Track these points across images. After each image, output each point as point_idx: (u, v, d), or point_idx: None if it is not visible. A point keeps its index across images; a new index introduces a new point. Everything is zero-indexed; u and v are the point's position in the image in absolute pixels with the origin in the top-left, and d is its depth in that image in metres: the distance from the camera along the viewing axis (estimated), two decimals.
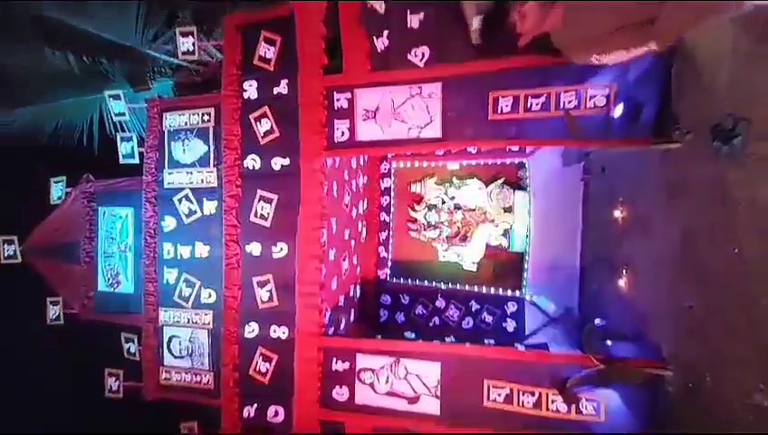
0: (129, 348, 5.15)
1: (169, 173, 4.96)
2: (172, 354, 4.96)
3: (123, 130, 5.67)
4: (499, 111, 3.96)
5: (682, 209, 3.44)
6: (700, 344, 3.20)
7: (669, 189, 3.63)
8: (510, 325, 6.07)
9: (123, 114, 5.34)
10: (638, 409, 3.66)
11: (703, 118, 3.13)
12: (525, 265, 6.14)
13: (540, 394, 3.84)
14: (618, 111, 3.72)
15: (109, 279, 5.32)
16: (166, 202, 4.96)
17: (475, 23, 3.77)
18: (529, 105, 3.90)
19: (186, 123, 4.88)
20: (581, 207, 5.07)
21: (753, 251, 2.74)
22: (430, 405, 4.12)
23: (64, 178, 5.51)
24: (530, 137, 4.04)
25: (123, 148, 5.18)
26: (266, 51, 4.53)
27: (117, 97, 5.35)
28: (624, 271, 4.19)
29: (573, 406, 3.75)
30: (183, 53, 4.83)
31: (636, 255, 4.11)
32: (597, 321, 4.36)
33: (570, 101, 3.80)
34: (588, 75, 3.71)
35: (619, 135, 3.75)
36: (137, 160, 5.21)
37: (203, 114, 4.83)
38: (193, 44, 4.79)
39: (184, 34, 4.81)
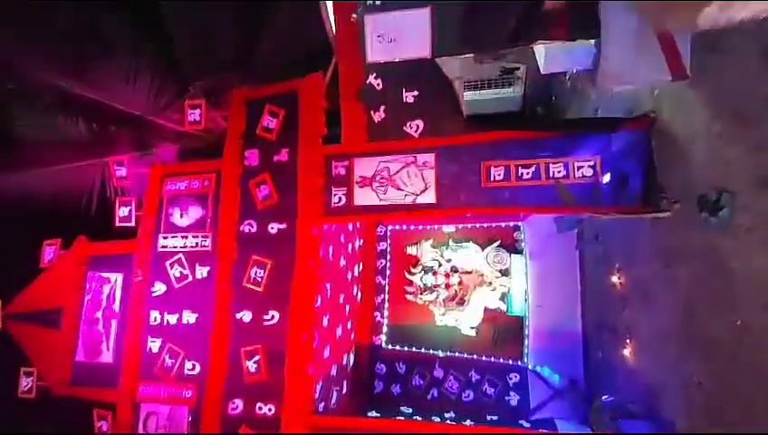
0: (101, 426, 4.72)
1: (164, 237, 4.94)
2: (149, 431, 4.55)
3: (123, 195, 5.75)
4: (492, 179, 4.09)
5: (680, 278, 3.42)
6: (715, 423, 2.99)
7: (664, 257, 3.64)
8: (513, 399, 5.70)
9: (124, 179, 5.43)
10: None
11: (687, 189, 3.23)
12: (525, 331, 5.94)
13: None
14: (605, 179, 3.85)
15: (89, 348, 5.04)
16: (158, 266, 4.88)
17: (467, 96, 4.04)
18: (520, 174, 4.05)
19: (185, 187, 4.97)
20: (579, 272, 5.03)
21: (756, 323, 2.67)
22: None
23: (59, 241, 5.46)
24: (523, 203, 4.14)
25: (121, 211, 5.21)
26: (269, 122, 4.77)
27: (120, 163, 5.50)
28: (628, 340, 4.04)
29: None
30: (190, 123, 5.08)
31: (638, 323, 4.00)
32: (605, 397, 4.10)
33: (559, 171, 3.95)
34: (572, 148, 3.90)
35: (609, 203, 3.84)
36: (133, 223, 5.21)
37: (204, 179, 4.95)
38: (200, 115, 5.05)
39: (192, 106, 5.09)
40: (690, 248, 3.28)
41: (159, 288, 4.84)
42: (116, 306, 5.06)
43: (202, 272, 4.75)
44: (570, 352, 4.93)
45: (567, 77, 4.43)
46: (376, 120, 4.48)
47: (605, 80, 3.32)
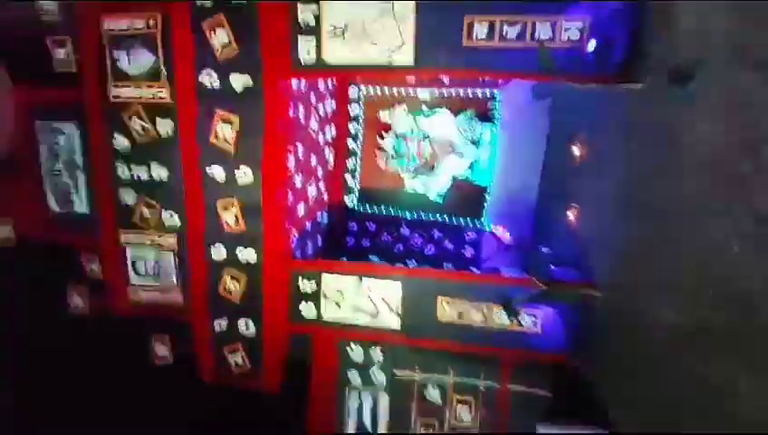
0: (91, 267, 5.10)
1: (115, 86, 4.50)
2: (138, 274, 4.99)
3: (54, 33, 4.91)
4: (474, 38, 3.81)
5: (633, 149, 3.65)
6: (630, 272, 3.66)
7: (625, 129, 3.80)
8: (468, 252, 6.51)
9: (54, 13, 4.56)
10: (569, 324, 4.24)
11: (665, 59, 3.18)
12: (487, 198, 6.41)
13: (487, 310, 4.33)
14: (590, 46, 3.69)
15: (59, 199, 5.05)
16: (114, 118, 4.57)
17: None
18: (504, 33, 3.78)
19: (128, 28, 4.32)
20: (546, 142, 5.22)
21: (692, 188, 2.99)
22: (391, 320, 4.55)
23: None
24: (504, 67, 3.97)
25: (57, 54, 4.56)
26: None
27: None
28: (574, 204, 4.52)
29: (515, 320, 4.28)
30: None
31: (587, 190, 4.41)
32: (543, 249, 4.78)
33: (545, 33, 3.71)
34: (564, 7, 3.59)
35: (590, 71, 3.76)
36: (74, 69, 4.64)
37: (148, 20, 4.27)
38: None
39: None
40: (650, 121, 3.43)
41: (121, 142, 4.65)
42: (77, 158, 4.89)
43: (165, 127, 4.53)
44: (523, 214, 5.47)
45: None
46: None
47: None
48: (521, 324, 4.32)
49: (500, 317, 4.34)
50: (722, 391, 2.57)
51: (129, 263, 4.96)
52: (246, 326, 4.83)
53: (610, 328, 3.81)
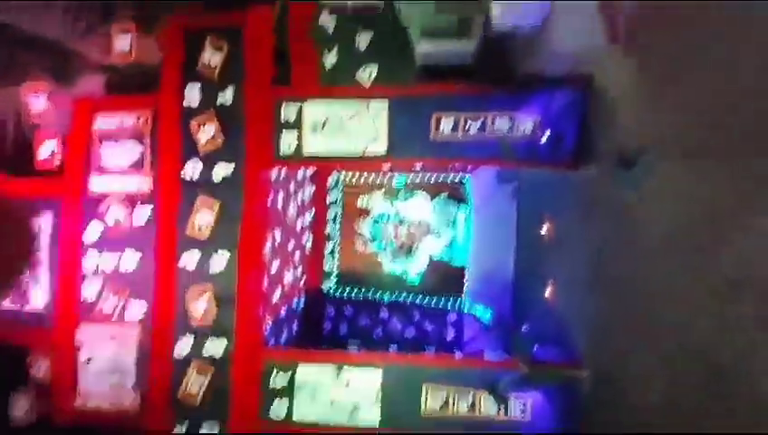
0: (38, 370, 4.60)
1: (97, 178, 4.61)
2: (90, 375, 4.54)
3: (42, 130, 5.14)
4: (441, 131, 4.25)
5: (593, 229, 3.91)
6: (611, 351, 3.64)
7: (584, 210, 4.12)
8: (450, 334, 6.36)
9: (43, 112, 4.84)
10: (558, 406, 4.03)
11: (611, 148, 3.62)
12: (466, 276, 6.51)
13: (474, 396, 4.09)
14: (544, 137, 4.17)
15: (15, 295, 4.75)
16: (91, 208, 4.59)
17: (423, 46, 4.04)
18: (468, 127, 4.24)
19: (118, 125, 4.59)
20: (516, 222, 5.53)
21: (651, 268, 3.18)
22: (371, 414, 4.20)
23: None
24: (469, 156, 4.36)
25: (42, 150, 4.72)
26: (212, 57, 4.44)
27: (36, 94, 4.86)
28: (549, 282, 4.63)
29: (502, 407, 4.04)
30: (118, 53, 4.56)
31: (558, 268, 4.57)
32: (524, 327, 4.74)
33: (503, 126, 4.19)
34: (516, 104, 4.13)
35: (545, 159, 4.19)
36: (56, 164, 4.76)
37: (138, 116, 4.59)
38: (130, 44, 4.54)
39: (120, 32, 4.55)
40: (606, 203, 3.75)
41: (94, 232, 4.60)
42: (45, 251, 4.74)
43: (142, 215, 4.56)
44: (501, 293, 5.55)
45: (519, 32, 4.52)
46: (327, 64, 4.35)
47: (549, 38, 3.51)
48: (508, 414, 4.06)
49: (486, 406, 4.09)
50: None
51: (81, 362, 4.54)
52: (211, 428, 4.32)
53: (599, 410, 3.65)
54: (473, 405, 4.10)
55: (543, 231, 4.75)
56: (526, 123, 4.13)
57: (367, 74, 4.31)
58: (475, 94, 4.17)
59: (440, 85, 4.23)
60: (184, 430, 4.33)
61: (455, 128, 4.22)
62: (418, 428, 4.11)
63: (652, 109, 3.21)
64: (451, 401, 4.15)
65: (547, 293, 4.63)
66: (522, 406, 4.08)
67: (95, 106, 4.64)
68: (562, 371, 3.94)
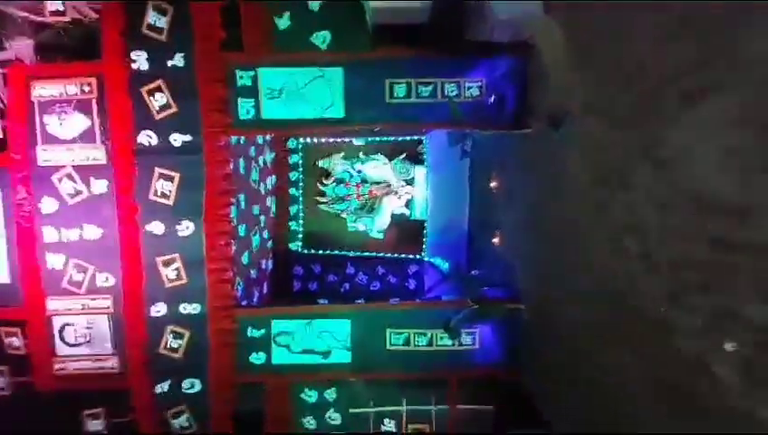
0: (11, 342, 4.67)
1: (44, 150, 4.46)
2: (66, 343, 4.67)
3: None
4: (395, 96, 4.46)
5: (530, 181, 4.41)
6: (543, 286, 4.28)
7: (523, 165, 4.60)
8: (411, 284, 6.95)
9: None
10: (502, 339, 4.73)
11: (545, 109, 4.02)
12: (425, 232, 7.03)
13: (432, 334, 4.69)
14: (490, 99, 4.50)
15: None
16: (42, 182, 4.48)
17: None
18: (419, 92, 4.47)
19: (61, 94, 4.39)
20: (468, 180, 6.00)
21: (573, 211, 3.70)
22: (342, 356, 4.71)
23: None
24: (422, 119, 4.64)
25: None
26: (156, 19, 4.27)
27: None
28: (497, 231, 5.19)
29: (456, 340, 4.68)
30: (51, 13, 4.25)
31: (504, 218, 5.12)
32: (474, 272, 5.35)
33: (452, 90, 4.46)
34: (465, 69, 4.39)
35: (491, 121, 4.55)
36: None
37: (82, 85, 4.39)
38: (63, 3, 4.23)
39: None
40: (540, 157, 4.21)
41: (49, 205, 4.52)
42: (1, 227, 4.63)
43: (99, 186, 4.52)
44: (457, 244, 6.13)
45: None
46: (281, 27, 4.33)
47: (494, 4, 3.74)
48: (461, 344, 4.71)
49: (443, 340, 4.71)
50: (620, 375, 3.11)
51: (55, 333, 4.65)
52: (192, 385, 4.68)
53: (534, 337, 4.35)
54: (431, 342, 4.72)
55: (492, 185, 5.22)
56: (472, 87, 4.42)
57: (321, 39, 4.34)
58: (426, 60, 4.36)
59: (393, 50, 4.37)
60: (166, 388, 4.65)
61: (408, 93, 4.44)
62: (385, 364, 4.68)
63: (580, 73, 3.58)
64: (411, 340, 4.73)
65: (495, 240, 5.21)
66: (472, 337, 4.75)
67: (32, 73, 4.37)
68: (504, 306, 4.58)
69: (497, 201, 5.26)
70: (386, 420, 4.82)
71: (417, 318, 4.75)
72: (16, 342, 4.63)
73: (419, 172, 6.96)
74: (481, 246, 5.85)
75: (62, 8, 4.26)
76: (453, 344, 4.69)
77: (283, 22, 4.33)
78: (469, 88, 4.45)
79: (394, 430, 4.78)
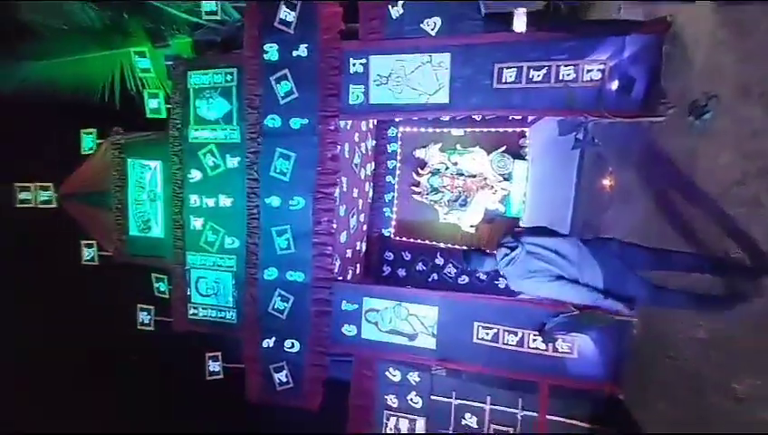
0: (158, 287, 5.74)
1: (195, 129, 5.35)
2: (199, 293, 5.56)
3: (147, 87, 5.98)
4: (503, 81, 4.29)
5: (654, 179, 3.85)
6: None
7: (649, 160, 4.03)
8: (501, 283, 6.64)
9: (149, 71, 5.64)
10: (605, 351, 4.24)
11: (683, 94, 3.48)
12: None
13: (522, 334, 4.43)
14: (613, 85, 4.05)
15: (140, 225, 5.83)
16: (192, 156, 5.38)
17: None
18: (531, 76, 4.23)
19: (210, 83, 5.21)
20: (576, 176, 5.48)
21: (713, 212, 3.16)
22: (428, 342, 4.74)
23: (95, 130, 5.89)
24: (531, 106, 4.38)
25: (151, 103, 5.53)
26: (287, 14, 4.79)
27: (142, 54, 5.63)
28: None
29: (551, 345, 4.34)
30: (206, 13, 5.08)
31: (615, 222, 4.57)
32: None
33: (569, 74, 4.12)
34: (586, 51, 4.01)
35: (611, 107, 4.09)
36: (164, 115, 5.58)
37: (226, 74, 5.15)
38: (216, 5, 5.03)
39: None
40: (672, 151, 3.65)
41: (195, 175, 5.41)
42: (159, 190, 5.69)
43: (233, 162, 5.26)
44: None
45: None
46: (394, 16, 4.50)
47: None
48: (556, 350, 4.36)
49: (535, 342, 4.42)
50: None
51: (192, 283, 5.56)
52: (292, 345, 5.18)
53: (646, 354, 3.81)
54: (521, 342, 4.47)
55: (605, 183, 4.70)
56: (593, 70, 4.03)
57: (431, 26, 4.39)
58: (541, 42, 4.11)
59: (504, 34, 4.21)
60: (271, 344, 5.22)
61: (517, 77, 4.24)
62: (470, 356, 4.58)
63: (729, 55, 3.03)
64: (501, 337, 4.54)
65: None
66: (569, 345, 4.36)
67: (189, 66, 5.27)
68: (610, 316, 4.10)
69: (608, 202, 4.70)
70: (467, 415, 4.72)
71: (508, 315, 4.53)
72: (162, 286, 5.66)
73: (519, 167, 6.57)
74: None
75: (215, 9, 5.04)
76: (546, 349, 4.37)
77: (396, 10, 4.49)
78: (589, 71, 4.06)
79: (475, 426, 4.65)
